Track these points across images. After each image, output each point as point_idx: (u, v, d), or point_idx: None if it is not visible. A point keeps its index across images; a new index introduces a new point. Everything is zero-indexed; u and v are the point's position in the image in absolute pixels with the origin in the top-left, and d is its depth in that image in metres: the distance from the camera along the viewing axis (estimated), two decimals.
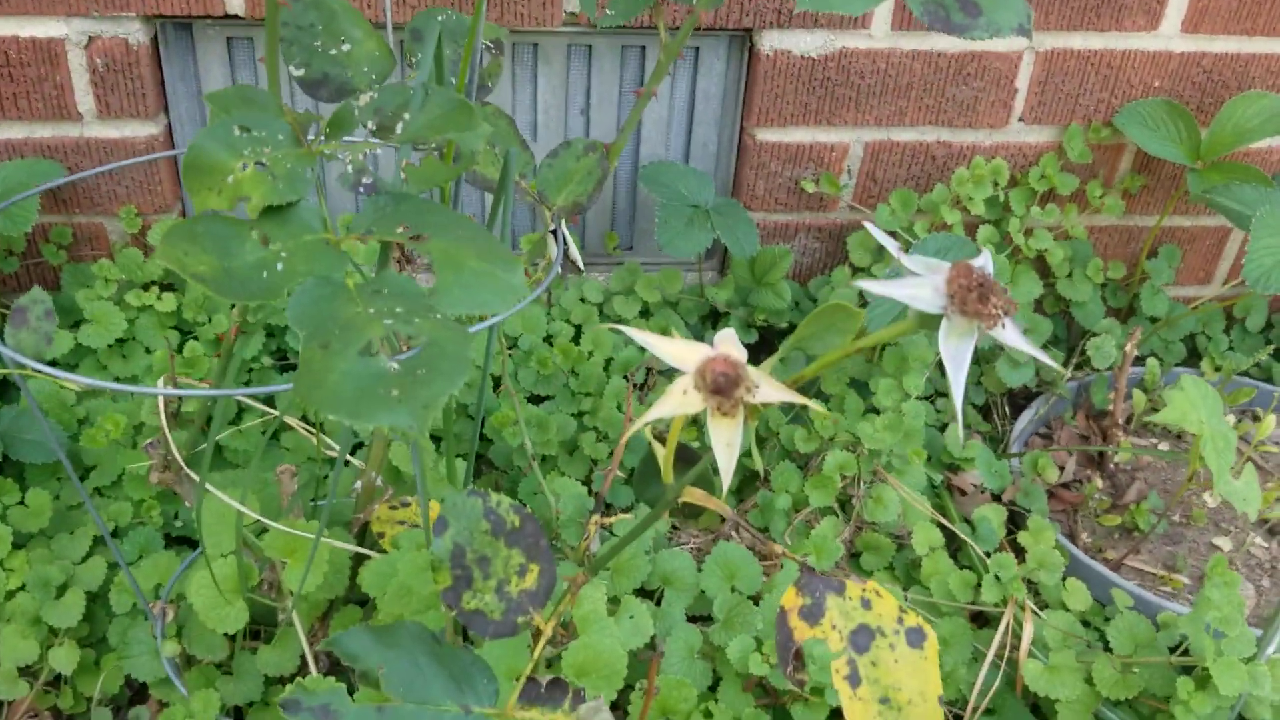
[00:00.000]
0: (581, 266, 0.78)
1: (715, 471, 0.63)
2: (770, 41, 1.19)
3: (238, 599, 0.81)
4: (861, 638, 0.53)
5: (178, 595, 0.95)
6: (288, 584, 0.81)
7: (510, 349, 1.25)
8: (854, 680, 0.52)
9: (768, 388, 0.46)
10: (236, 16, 1.12)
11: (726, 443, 0.46)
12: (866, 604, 0.54)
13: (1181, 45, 1.25)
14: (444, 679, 0.55)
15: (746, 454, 1.22)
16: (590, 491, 1.11)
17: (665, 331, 1.26)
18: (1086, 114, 1.29)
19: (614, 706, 1.01)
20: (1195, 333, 1.44)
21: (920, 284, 0.42)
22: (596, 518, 0.96)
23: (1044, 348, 1.34)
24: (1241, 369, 1.39)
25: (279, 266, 0.50)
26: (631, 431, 0.45)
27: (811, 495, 1.11)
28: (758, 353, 1.28)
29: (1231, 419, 1.34)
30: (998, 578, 1.06)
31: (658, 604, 0.99)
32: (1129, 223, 1.39)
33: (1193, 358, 1.45)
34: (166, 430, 0.76)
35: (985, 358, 1.34)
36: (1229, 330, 1.45)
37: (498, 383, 1.21)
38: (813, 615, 0.53)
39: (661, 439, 0.62)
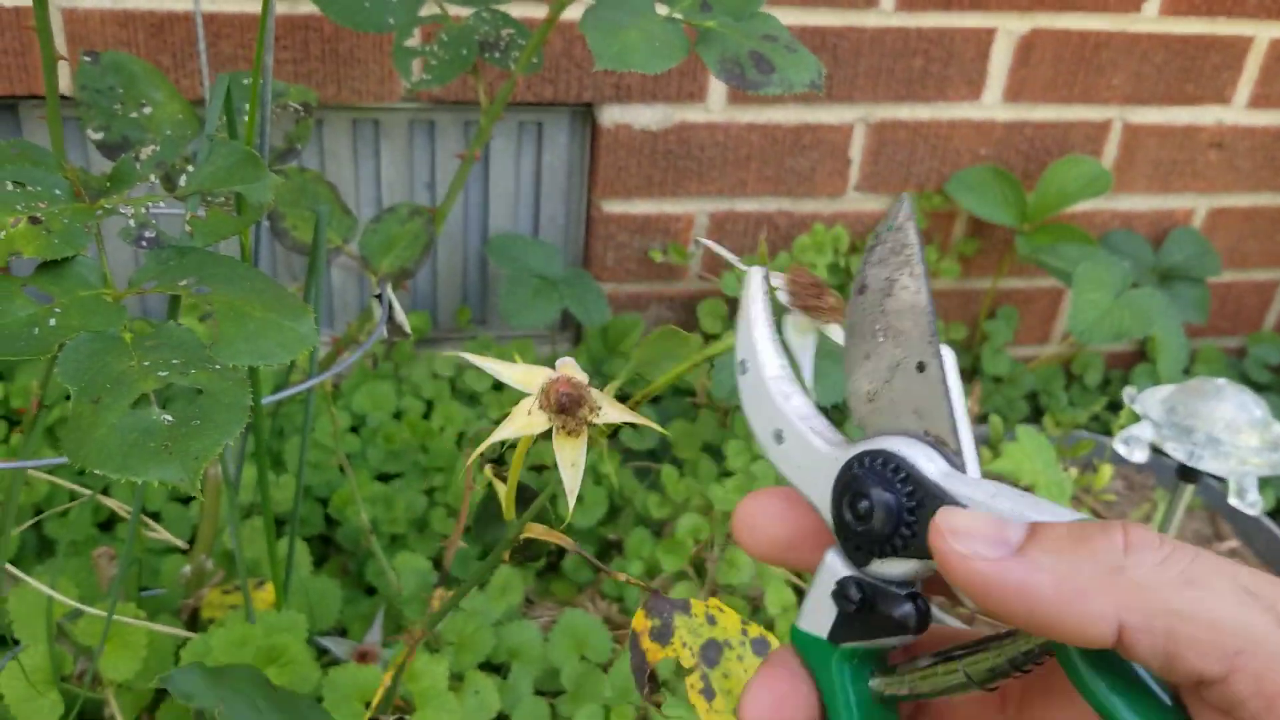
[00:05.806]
0: (407, 330, 0.77)
1: (553, 502, 0.62)
2: (611, 116, 1.21)
3: (51, 690, 0.76)
4: (711, 652, 0.54)
5: None
6: (105, 673, 0.77)
7: (358, 427, 1.22)
8: (709, 694, 0.53)
9: (610, 409, 0.47)
10: (66, 97, 1.09)
11: (571, 462, 0.47)
12: (711, 620, 0.55)
13: (1004, 114, 1.32)
14: None
15: (602, 522, 1.21)
16: (437, 567, 1.08)
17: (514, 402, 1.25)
18: (919, 182, 1.34)
19: None
20: (1037, 390, 1.49)
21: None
22: (439, 591, 0.93)
23: None
24: (1080, 423, 1.44)
25: (51, 322, 0.48)
26: (478, 452, 0.47)
27: (664, 560, 1.10)
28: None
29: (1074, 471, 1.38)
30: None
31: (505, 678, 0.96)
32: (967, 286, 1.44)
33: (1036, 415, 1.49)
34: None
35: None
36: (1069, 387, 1.51)
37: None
38: (663, 635, 0.54)
39: (502, 478, 0.61)
